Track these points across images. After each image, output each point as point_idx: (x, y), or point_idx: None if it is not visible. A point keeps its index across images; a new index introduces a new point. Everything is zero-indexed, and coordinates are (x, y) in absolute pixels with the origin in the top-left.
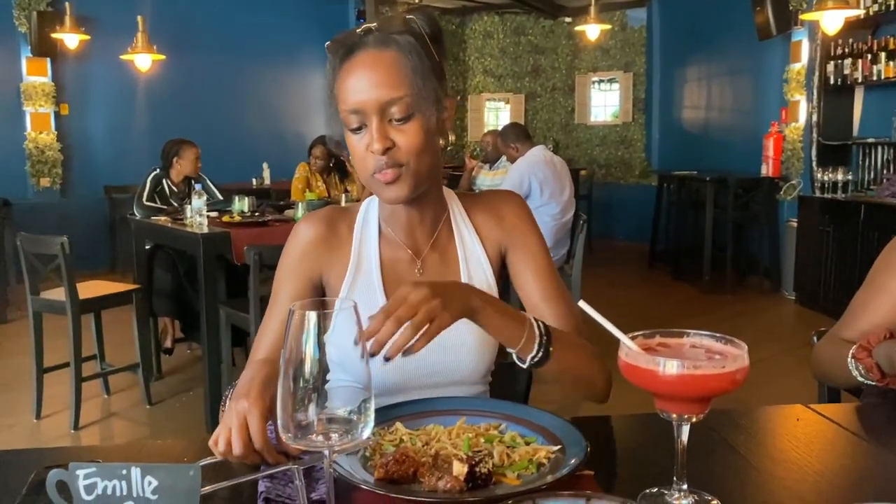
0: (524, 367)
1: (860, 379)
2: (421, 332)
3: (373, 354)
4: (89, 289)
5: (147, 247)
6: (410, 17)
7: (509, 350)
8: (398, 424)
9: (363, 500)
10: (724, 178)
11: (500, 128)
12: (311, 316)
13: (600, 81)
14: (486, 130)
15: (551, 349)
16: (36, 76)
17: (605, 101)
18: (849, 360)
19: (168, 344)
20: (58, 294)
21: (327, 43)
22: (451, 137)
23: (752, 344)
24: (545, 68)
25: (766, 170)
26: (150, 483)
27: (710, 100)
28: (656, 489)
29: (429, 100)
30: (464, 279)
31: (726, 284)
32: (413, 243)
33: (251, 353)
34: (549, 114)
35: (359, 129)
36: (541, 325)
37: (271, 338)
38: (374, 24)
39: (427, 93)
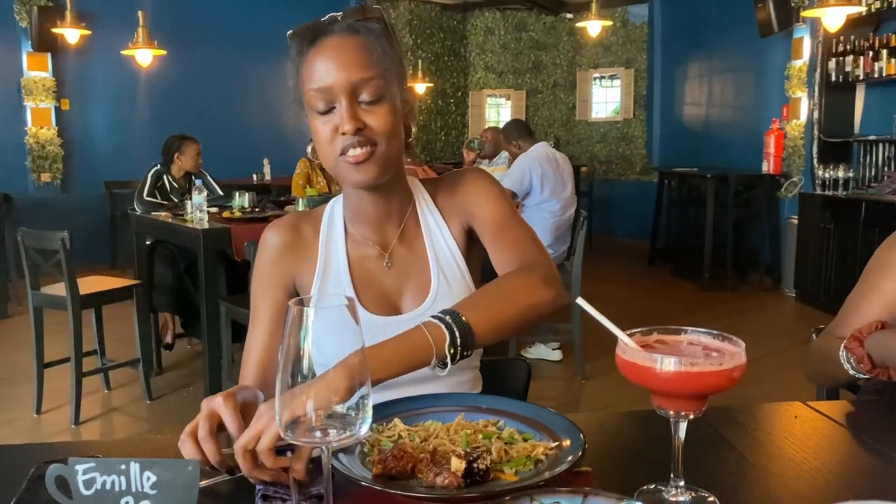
0: (448, 365)
1: (851, 372)
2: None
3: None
4: (90, 284)
5: (147, 242)
6: (375, 6)
7: (431, 367)
8: (396, 420)
9: (361, 496)
10: (724, 175)
11: (500, 124)
12: (309, 312)
13: (601, 78)
14: (486, 126)
15: (469, 326)
16: (37, 71)
17: (606, 98)
18: (840, 351)
19: (168, 339)
20: (58, 289)
21: (290, 32)
22: (414, 129)
23: (752, 341)
24: (546, 64)
25: (767, 167)
26: (148, 478)
27: (712, 96)
28: (654, 485)
29: (395, 85)
30: (433, 269)
31: (727, 282)
32: (380, 238)
33: (240, 378)
34: (550, 110)
35: (326, 112)
36: (442, 315)
37: (254, 361)
38: (339, 13)
39: (393, 78)
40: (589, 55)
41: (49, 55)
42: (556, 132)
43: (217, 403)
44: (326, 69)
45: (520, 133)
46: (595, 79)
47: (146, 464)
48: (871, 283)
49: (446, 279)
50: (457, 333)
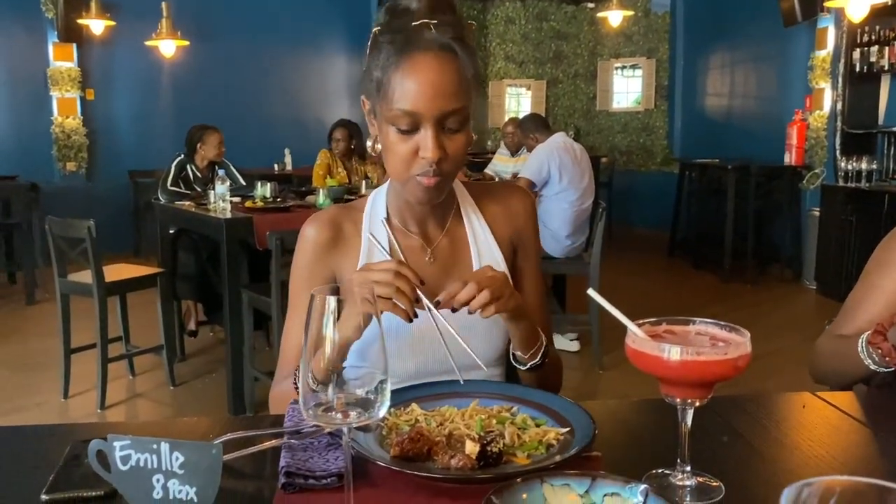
0: (522, 368)
1: (873, 367)
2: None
3: (438, 305)
4: (115, 272)
5: (171, 231)
6: (468, 22)
7: (516, 352)
8: (414, 405)
9: (379, 476)
10: (746, 166)
11: (520, 114)
12: (331, 300)
13: (623, 68)
14: (507, 117)
15: (546, 361)
16: (62, 61)
17: (627, 88)
18: (860, 347)
19: (191, 326)
20: (84, 276)
21: (377, 27)
22: (474, 137)
23: (771, 333)
24: (567, 54)
25: (790, 158)
26: (177, 458)
27: (734, 87)
28: (661, 470)
29: (476, 103)
30: (474, 266)
31: (747, 274)
32: (423, 231)
33: (278, 369)
34: (570, 100)
35: (408, 131)
36: (544, 341)
37: (296, 349)
38: (430, 20)
39: (476, 96)
40: (610, 45)
41: (74, 46)
42: (576, 122)
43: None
44: (420, 93)
45: (537, 126)
46: (616, 69)
47: (175, 444)
48: (871, 282)
49: None
50: (540, 361)
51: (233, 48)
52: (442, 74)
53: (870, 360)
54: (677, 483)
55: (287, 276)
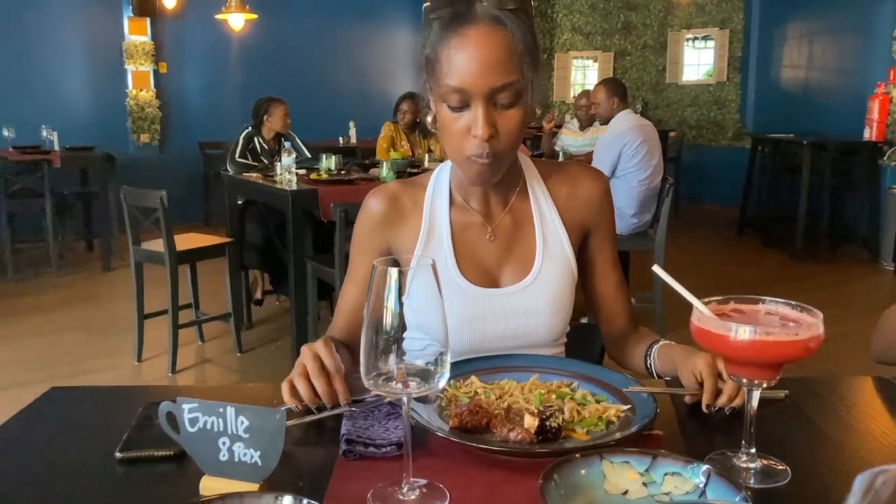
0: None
1: None
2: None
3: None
4: (185, 241)
5: (239, 202)
6: None
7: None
8: (473, 378)
9: (437, 446)
10: (822, 141)
11: (590, 88)
12: (393, 272)
13: (694, 39)
14: (572, 90)
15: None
16: (137, 35)
17: (698, 60)
18: None
19: (258, 295)
20: (157, 245)
21: (426, 4)
22: (538, 112)
23: (844, 315)
24: (636, 25)
25: (869, 133)
26: (242, 422)
27: (812, 59)
28: (724, 452)
29: (531, 83)
30: (538, 248)
31: (820, 253)
32: (485, 208)
33: (328, 328)
34: (638, 72)
35: (459, 108)
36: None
37: (346, 315)
38: None
39: (531, 75)
40: (682, 15)
41: (148, 20)
42: (644, 95)
43: (318, 347)
44: (467, 69)
45: (616, 91)
46: (687, 39)
47: (240, 409)
48: None
49: (551, 260)
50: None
51: (300, 21)
52: (489, 48)
53: None
54: (741, 465)
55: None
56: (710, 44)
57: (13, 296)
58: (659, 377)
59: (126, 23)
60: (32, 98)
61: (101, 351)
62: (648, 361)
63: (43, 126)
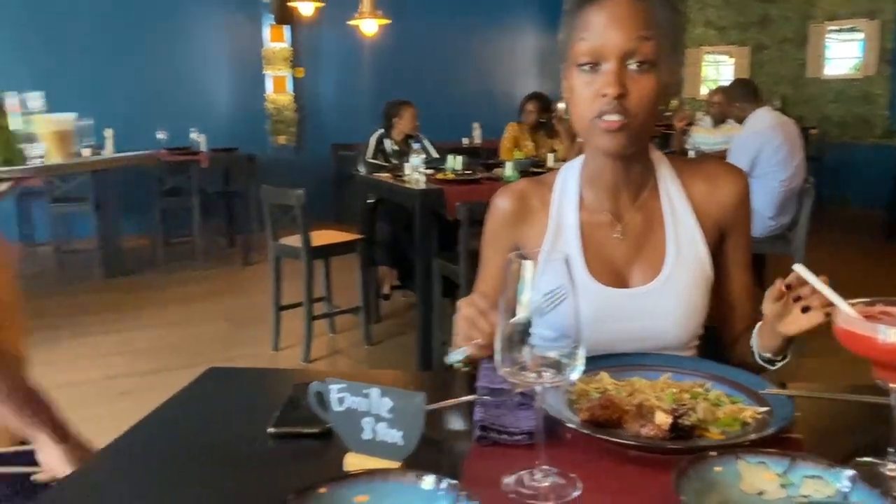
0: (770, 368)
1: None
2: None
3: None
4: (320, 237)
5: (369, 201)
6: None
7: (764, 353)
8: (603, 374)
9: (567, 437)
10: None
11: (724, 84)
12: (527, 265)
13: (839, 31)
14: (703, 87)
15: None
16: (276, 42)
17: (843, 53)
18: None
19: (386, 290)
20: (294, 241)
21: None
22: (672, 102)
23: None
24: (774, 18)
25: None
26: (386, 403)
27: None
28: (869, 458)
29: (667, 55)
30: (669, 247)
31: None
32: (614, 206)
33: None
34: (776, 67)
35: (590, 68)
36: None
37: None
38: None
39: (669, 47)
40: (824, 6)
41: (287, 27)
42: (782, 91)
43: (474, 297)
44: (602, 25)
45: (743, 94)
46: (830, 31)
47: (385, 391)
48: None
49: (684, 262)
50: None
51: (428, 25)
52: (626, 9)
53: None
54: (888, 473)
55: (475, 247)
56: (857, 35)
57: (162, 287)
58: (768, 362)
59: (267, 30)
60: (182, 102)
61: (241, 339)
62: (752, 345)
63: (191, 129)
